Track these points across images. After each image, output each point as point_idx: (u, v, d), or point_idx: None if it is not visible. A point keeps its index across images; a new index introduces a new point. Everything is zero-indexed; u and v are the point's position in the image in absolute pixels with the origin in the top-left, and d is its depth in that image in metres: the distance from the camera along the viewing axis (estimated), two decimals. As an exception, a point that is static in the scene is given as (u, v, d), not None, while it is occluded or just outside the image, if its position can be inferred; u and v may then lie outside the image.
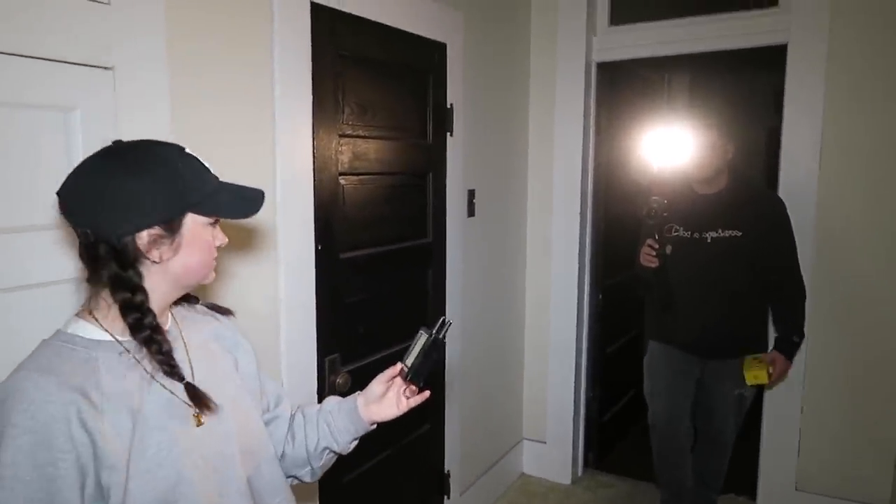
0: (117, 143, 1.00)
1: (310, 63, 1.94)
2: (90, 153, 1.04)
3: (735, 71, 4.71)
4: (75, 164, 1.36)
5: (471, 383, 2.96)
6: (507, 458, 3.40)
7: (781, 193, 2.76)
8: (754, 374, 2.48)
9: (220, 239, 1.07)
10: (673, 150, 2.59)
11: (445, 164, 2.66)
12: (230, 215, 1.06)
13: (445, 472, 2.83)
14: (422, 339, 1.26)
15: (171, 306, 1.11)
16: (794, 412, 2.90)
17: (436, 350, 1.26)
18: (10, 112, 1.28)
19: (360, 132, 2.21)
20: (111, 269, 0.96)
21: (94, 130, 1.40)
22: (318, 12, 1.96)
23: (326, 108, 2.04)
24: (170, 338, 1.04)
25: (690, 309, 2.53)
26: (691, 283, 2.51)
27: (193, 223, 1.01)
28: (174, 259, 1.00)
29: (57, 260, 1.37)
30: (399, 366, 1.28)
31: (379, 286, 2.37)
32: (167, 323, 1.08)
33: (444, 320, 1.27)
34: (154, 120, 1.51)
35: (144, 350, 0.97)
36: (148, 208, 0.95)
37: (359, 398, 1.30)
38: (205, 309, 1.22)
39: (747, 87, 4.78)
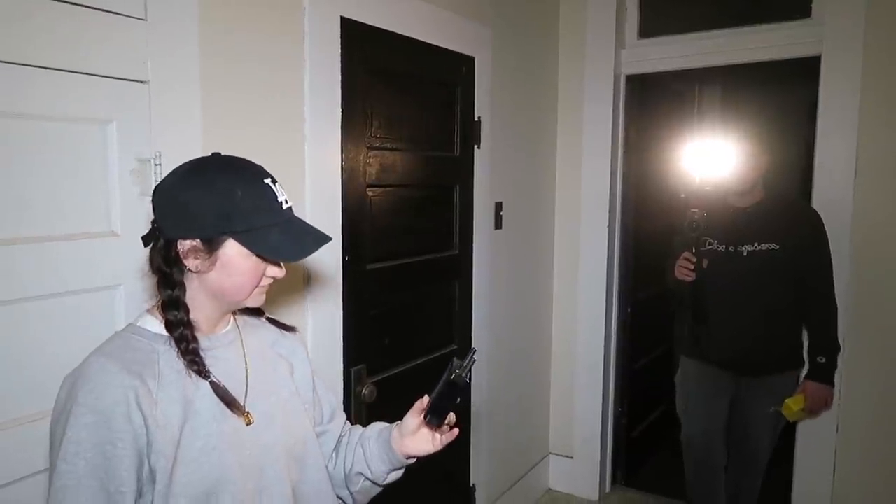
0: (214, 155, 1.07)
1: (339, 76, 1.97)
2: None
3: (767, 83, 4.65)
4: (110, 176, 1.42)
5: (497, 396, 2.95)
6: (534, 472, 3.37)
7: (816, 206, 2.71)
8: (788, 407, 2.45)
9: (273, 272, 1.09)
10: (706, 163, 2.57)
11: (473, 177, 2.67)
12: (269, 255, 1.05)
13: (471, 485, 2.82)
14: (453, 374, 1.17)
15: (235, 314, 1.17)
16: (830, 430, 2.82)
17: (454, 390, 1.16)
18: (49, 125, 1.32)
19: (388, 144, 2.23)
20: (158, 262, 1.04)
21: (128, 143, 1.44)
22: (348, 27, 1.99)
23: (355, 121, 2.07)
24: (227, 340, 1.13)
25: (725, 324, 2.49)
26: (726, 298, 2.46)
27: (235, 249, 1.03)
28: (210, 274, 1.04)
29: (93, 269, 1.41)
30: (426, 399, 1.22)
31: (405, 298, 2.38)
32: (226, 326, 1.15)
33: (471, 354, 1.18)
34: (187, 132, 1.55)
35: (174, 346, 1.03)
36: (191, 221, 1.01)
37: (394, 429, 1.26)
38: (267, 321, 1.27)
39: (780, 100, 4.72)
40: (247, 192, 1.03)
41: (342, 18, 1.96)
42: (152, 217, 1.06)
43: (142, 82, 1.46)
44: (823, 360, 2.44)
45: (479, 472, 2.85)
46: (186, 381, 1.03)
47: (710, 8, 3.15)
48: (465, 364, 1.16)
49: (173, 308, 1.04)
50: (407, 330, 2.39)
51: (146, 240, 1.07)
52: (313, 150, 1.90)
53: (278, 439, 1.13)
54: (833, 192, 2.73)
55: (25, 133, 1.29)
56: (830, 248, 2.49)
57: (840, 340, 2.49)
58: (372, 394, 2.14)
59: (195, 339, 1.05)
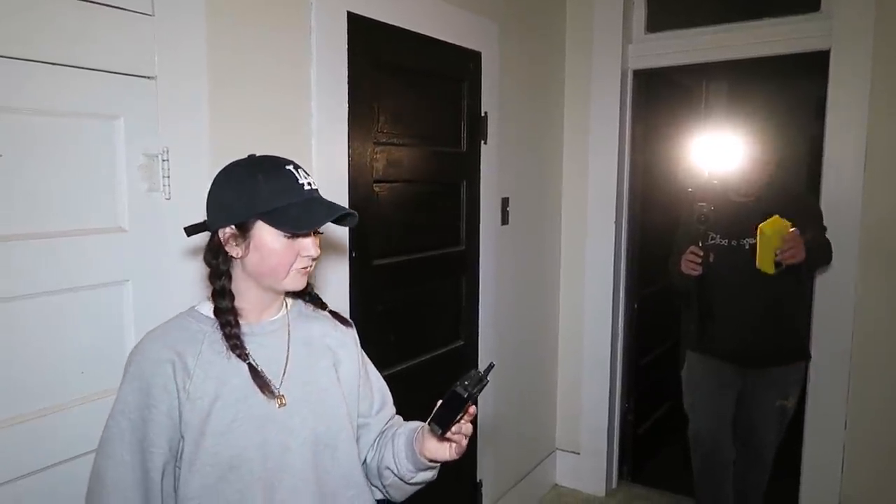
0: (250, 157, 1.17)
1: (346, 72, 1.97)
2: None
3: (775, 77, 4.63)
4: (117, 172, 1.41)
5: (504, 392, 2.95)
6: (540, 468, 3.37)
7: (824, 202, 2.70)
8: (771, 225, 2.28)
9: (308, 250, 1.15)
10: (712, 159, 2.56)
11: (479, 172, 2.67)
12: (292, 228, 1.12)
13: (478, 480, 2.82)
14: (457, 384, 1.13)
15: (288, 301, 1.26)
16: (838, 426, 2.81)
17: (459, 404, 1.12)
18: (56, 120, 1.33)
19: (395, 140, 2.22)
20: (207, 255, 1.16)
21: (136, 138, 1.44)
22: (355, 22, 1.98)
23: (362, 116, 2.06)
24: (272, 328, 1.21)
25: (729, 318, 2.49)
26: (730, 291, 2.46)
27: (264, 231, 1.12)
28: (248, 257, 1.14)
29: (101, 264, 1.41)
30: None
31: (411, 294, 2.37)
32: (275, 315, 1.23)
33: (485, 371, 1.14)
34: (194, 128, 1.55)
35: (219, 328, 1.14)
36: (225, 211, 1.12)
37: (419, 430, 1.26)
38: (326, 314, 1.33)
39: (788, 95, 4.69)
40: (267, 177, 1.11)
41: (349, 13, 1.96)
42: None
43: (149, 78, 1.46)
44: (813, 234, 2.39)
45: (486, 468, 2.85)
46: (225, 362, 1.13)
47: (718, 2, 3.13)
48: (473, 379, 1.12)
49: (220, 296, 1.14)
50: (413, 326, 2.39)
51: (188, 231, 1.16)
52: (320, 145, 1.90)
53: (308, 424, 1.19)
54: (842, 187, 2.71)
55: (32, 129, 1.29)
56: (831, 240, 2.49)
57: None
58: (379, 389, 2.14)
59: (237, 325, 1.15)
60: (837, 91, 2.71)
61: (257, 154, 1.17)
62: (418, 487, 1.32)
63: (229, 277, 1.15)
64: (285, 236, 1.12)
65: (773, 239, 2.27)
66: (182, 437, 1.09)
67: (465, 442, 1.20)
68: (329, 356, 1.27)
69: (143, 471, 1.09)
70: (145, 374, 1.09)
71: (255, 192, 1.10)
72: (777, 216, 2.30)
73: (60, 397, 1.37)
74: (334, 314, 1.34)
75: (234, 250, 1.13)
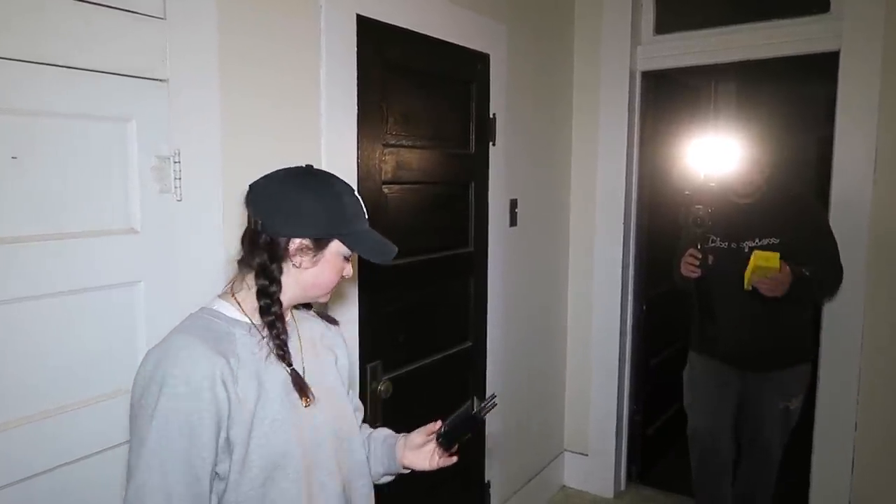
0: (308, 167, 1.20)
1: (355, 74, 1.98)
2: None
3: (785, 79, 4.61)
4: (129, 174, 1.42)
5: (512, 393, 2.95)
6: (548, 469, 3.37)
7: (834, 204, 2.69)
8: (766, 258, 2.24)
9: (348, 271, 1.23)
10: (715, 161, 2.56)
11: (488, 174, 2.67)
12: (368, 256, 1.20)
13: (486, 482, 2.82)
14: (466, 407, 1.29)
15: (291, 309, 1.28)
16: (848, 427, 2.80)
17: (472, 423, 1.29)
18: (70, 123, 1.34)
19: (404, 142, 2.23)
20: (262, 257, 1.14)
21: (148, 140, 1.46)
22: (364, 25, 1.99)
23: (371, 119, 2.07)
24: (288, 329, 1.22)
25: (729, 320, 2.50)
26: (730, 294, 2.46)
27: (335, 249, 1.17)
28: (309, 270, 1.17)
29: (113, 265, 1.42)
30: (439, 423, 1.34)
31: (420, 294, 2.38)
32: (287, 317, 1.25)
33: (490, 398, 1.30)
34: (205, 130, 1.56)
35: (266, 332, 1.14)
36: (308, 223, 1.13)
37: (400, 440, 1.38)
38: (315, 314, 1.39)
39: (797, 96, 4.67)
40: (350, 200, 1.17)
41: (358, 16, 1.97)
42: (254, 217, 1.16)
43: (161, 80, 1.47)
44: (808, 273, 2.33)
45: (494, 469, 2.85)
46: (259, 364, 1.14)
47: (727, 3, 3.13)
48: (486, 405, 1.27)
49: (268, 298, 1.14)
50: (422, 326, 2.39)
51: (254, 234, 1.17)
52: (330, 148, 1.91)
53: (328, 421, 1.24)
54: (851, 189, 2.70)
55: (46, 131, 1.31)
56: (835, 237, 2.46)
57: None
58: (388, 390, 2.15)
59: (285, 331, 1.16)
60: (847, 92, 2.70)
61: (311, 166, 1.20)
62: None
63: (280, 285, 1.16)
64: (344, 257, 1.18)
65: (759, 270, 2.27)
66: (231, 440, 1.09)
67: (455, 459, 1.35)
68: (331, 355, 1.34)
69: (192, 479, 1.05)
70: (192, 378, 1.04)
71: (342, 210, 1.14)
72: (778, 254, 2.26)
73: (72, 397, 1.38)
74: (321, 314, 1.39)
75: (298, 260, 1.15)
